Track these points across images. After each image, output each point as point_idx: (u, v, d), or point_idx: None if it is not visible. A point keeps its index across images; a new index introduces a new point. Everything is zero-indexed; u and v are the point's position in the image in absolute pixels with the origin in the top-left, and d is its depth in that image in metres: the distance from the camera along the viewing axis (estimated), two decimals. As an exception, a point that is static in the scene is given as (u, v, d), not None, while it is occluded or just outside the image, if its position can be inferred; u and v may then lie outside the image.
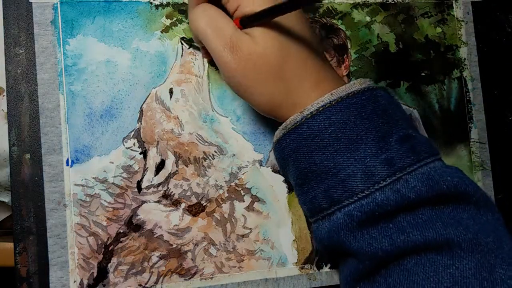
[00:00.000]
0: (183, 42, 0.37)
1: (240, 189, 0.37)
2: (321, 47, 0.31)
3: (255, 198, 0.37)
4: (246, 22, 0.29)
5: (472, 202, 0.27)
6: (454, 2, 0.44)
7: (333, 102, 0.28)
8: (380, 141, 0.27)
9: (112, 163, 0.35)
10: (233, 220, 0.37)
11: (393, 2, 0.42)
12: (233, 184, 0.37)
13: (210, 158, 0.37)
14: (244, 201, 0.37)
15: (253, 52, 0.29)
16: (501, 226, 0.27)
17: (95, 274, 0.34)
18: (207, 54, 0.33)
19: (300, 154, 0.29)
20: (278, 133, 0.30)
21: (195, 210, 0.36)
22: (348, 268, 0.29)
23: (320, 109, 0.28)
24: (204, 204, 0.36)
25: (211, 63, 0.38)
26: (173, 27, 0.38)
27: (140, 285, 0.35)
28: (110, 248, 0.35)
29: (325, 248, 0.30)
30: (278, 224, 0.38)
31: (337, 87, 0.29)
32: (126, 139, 0.36)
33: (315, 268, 0.38)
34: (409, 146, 0.27)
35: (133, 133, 0.36)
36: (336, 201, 0.28)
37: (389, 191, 0.26)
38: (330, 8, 0.41)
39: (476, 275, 0.25)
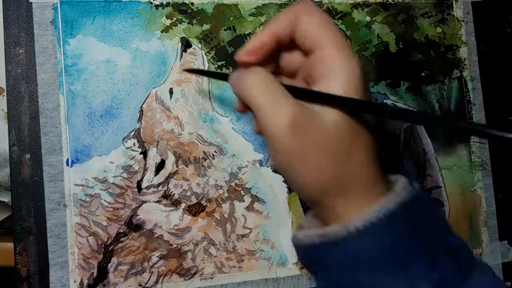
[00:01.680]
0: (183, 42, 0.37)
1: (240, 189, 0.37)
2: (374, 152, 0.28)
3: (255, 198, 0.37)
4: (320, 99, 0.25)
5: None
6: (454, 2, 0.44)
7: (382, 217, 0.24)
8: (430, 259, 0.25)
9: (112, 163, 0.35)
10: (233, 220, 0.37)
11: (393, 2, 0.42)
12: (233, 184, 0.37)
13: (210, 158, 0.37)
14: (244, 201, 0.37)
15: (322, 134, 0.25)
16: None
17: (95, 274, 0.34)
18: (244, 108, 0.29)
19: (339, 270, 0.26)
20: (310, 238, 0.26)
21: (195, 210, 0.36)
22: None
23: (369, 225, 0.24)
24: (204, 204, 0.36)
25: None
26: (173, 27, 0.38)
27: (140, 285, 0.35)
28: (110, 248, 0.35)
29: None
30: (278, 224, 0.38)
31: (385, 192, 0.26)
32: (126, 139, 0.36)
33: (315, 268, 0.38)
34: (456, 261, 0.25)
35: (133, 133, 0.36)
36: None
37: None
38: (330, 8, 0.41)
39: None
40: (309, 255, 0.27)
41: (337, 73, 0.25)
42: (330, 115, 0.25)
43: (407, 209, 0.25)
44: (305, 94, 0.26)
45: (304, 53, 0.27)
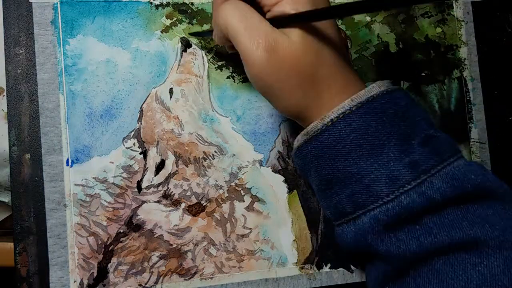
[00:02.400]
0: (183, 42, 0.37)
1: (240, 189, 0.37)
2: (346, 49, 0.31)
3: (255, 198, 0.37)
4: (283, 22, 0.28)
5: (497, 198, 0.27)
6: (454, 2, 0.44)
7: (353, 108, 0.27)
8: (403, 144, 0.27)
9: (112, 163, 0.35)
10: (233, 220, 0.37)
11: (393, 2, 0.42)
12: (233, 184, 0.37)
13: (210, 158, 0.37)
14: (244, 201, 0.37)
15: (290, 54, 0.28)
16: None
17: (95, 274, 0.34)
18: (232, 48, 0.32)
19: (322, 160, 0.29)
20: (300, 139, 0.30)
21: (195, 210, 0.36)
22: (376, 270, 0.29)
23: (341, 116, 0.28)
24: (204, 204, 0.36)
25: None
26: (173, 27, 0.38)
27: (140, 285, 0.35)
28: (110, 248, 0.35)
29: (351, 251, 0.30)
30: (278, 224, 0.38)
31: (360, 89, 0.29)
32: (126, 139, 0.36)
33: (315, 268, 0.38)
34: (431, 147, 0.27)
35: (133, 133, 0.36)
36: (361, 206, 0.28)
37: (414, 194, 0.26)
38: (330, 8, 0.41)
39: (505, 272, 0.25)
40: (298, 156, 0.31)
41: None
42: (294, 34, 0.28)
43: (378, 101, 0.28)
44: (279, 22, 0.28)
45: None
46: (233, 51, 0.34)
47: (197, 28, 0.38)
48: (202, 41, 0.38)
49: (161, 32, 0.37)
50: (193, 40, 0.38)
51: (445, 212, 0.27)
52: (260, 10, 0.30)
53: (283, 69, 0.28)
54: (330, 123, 0.28)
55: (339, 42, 0.30)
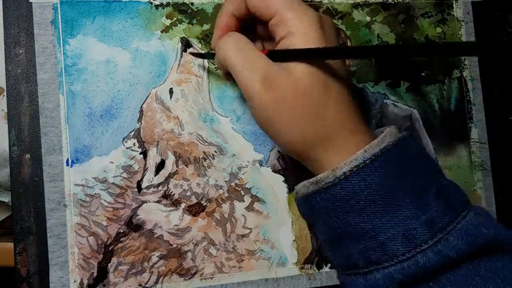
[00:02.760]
0: (183, 42, 0.37)
1: (240, 189, 0.37)
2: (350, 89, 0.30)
3: (255, 198, 0.37)
4: (286, 56, 0.27)
5: (506, 251, 0.27)
6: (454, 2, 0.44)
7: (367, 162, 0.26)
8: (419, 201, 0.26)
9: (112, 163, 0.35)
10: (233, 220, 0.37)
11: (393, 2, 0.42)
12: (233, 184, 0.37)
13: (210, 158, 0.37)
14: (244, 201, 0.37)
15: (293, 88, 0.27)
16: None
17: (95, 274, 0.34)
18: (227, 76, 0.31)
19: (333, 214, 0.27)
20: (306, 187, 0.28)
21: (195, 210, 0.36)
22: None
23: (354, 170, 0.26)
24: (204, 204, 0.36)
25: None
26: (173, 27, 0.38)
27: (140, 285, 0.35)
28: (110, 248, 0.35)
29: None
30: (278, 224, 0.38)
31: (370, 138, 0.27)
32: (126, 139, 0.36)
33: (315, 268, 0.38)
34: (445, 200, 0.27)
35: (133, 133, 0.36)
36: (374, 262, 0.27)
37: (431, 253, 0.26)
38: (330, 8, 0.41)
39: None
40: (305, 204, 0.29)
41: (295, 31, 0.27)
42: (298, 69, 0.27)
43: (393, 153, 0.27)
44: (274, 56, 0.28)
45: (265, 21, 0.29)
46: (229, 80, 0.33)
47: (197, 29, 0.38)
48: (202, 41, 0.38)
49: (161, 32, 0.37)
50: (193, 40, 0.38)
51: (460, 268, 0.26)
52: (261, 43, 0.30)
53: (285, 102, 0.27)
54: (343, 176, 0.26)
55: (347, 79, 0.29)
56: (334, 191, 0.27)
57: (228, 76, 0.30)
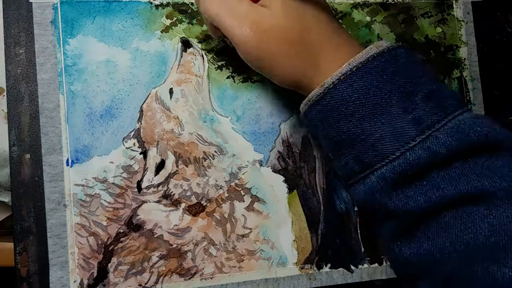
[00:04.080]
0: (183, 42, 0.37)
1: (240, 189, 0.37)
2: (331, 12, 0.32)
3: (255, 198, 0.37)
4: None
5: (505, 149, 0.27)
6: (454, 2, 0.44)
7: (354, 69, 0.28)
8: (405, 101, 0.27)
9: (112, 163, 0.35)
10: (233, 220, 0.37)
11: (393, 2, 0.42)
12: (233, 184, 0.37)
13: (210, 158, 0.37)
14: (244, 201, 0.37)
15: (275, 25, 0.29)
16: None
17: (95, 274, 0.34)
18: (214, 30, 0.33)
19: (327, 124, 0.29)
20: (303, 106, 0.30)
21: (195, 210, 0.36)
22: (388, 227, 0.30)
23: (342, 78, 0.28)
24: (204, 204, 0.36)
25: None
26: (173, 27, 0.38)
27: (140, 285, 0.35)
28: (110, 248, 0.35)
29: (364, 210, 0.31)
30: (278, 224, 0.38)
31: (356, 50, 0.29)
32: (126, 139, 0.36)
33: (315, 268, 0.38)
34: (435, 102, 0.27)
35: (133, 133, 0.36)
36: (368, 165, 0.28)
37: (419, 150, 0.26)
38: (330, 8, 0.41)
39: None
40: (306, 121, 0.31)
41: None
42: (276, 5, 0.29)
43: (378, 60, 0.28)
44: None
45: None
46: (216, 34, 0.34)
47: (197, 29, 0.38)
48: (202, 41, 0.38)
49: (161, 32, 0.37)
50: (193, 40, 0.38)
51: (452, 166, 0.26)
52: None
53: (271, 40, 0.29)
54: (331, 86, 0.28)
55: (325, 4, 0.31)
56: (325, 101, 0.29)
57: (215, 30, 0.32)
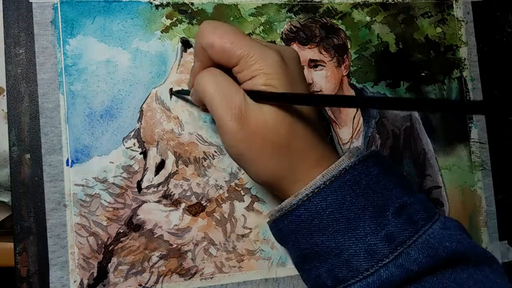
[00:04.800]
0: (183, 42, 0.37)
1: (240, 189, 0.37)
2: (320, 122, 0.31)
3: (255, 198, 0.37)
4: (256, 98, 0.28)
5: (470, 262, 0.28)
6: (454, 2, 0.44)
7: (327, 182, 0.28)
8: (377, 217, 0.28)
9: (112, 163, 0.35)
10: (233, 220, 0.37)
11: (393, 2, 0.42)
12: (233, 184, 0.37)
13: (210, 158, 0.37)
14: (244, 201, 0.37)
15: (263, 125, 0.28)
16: (499, 277, 0.28)
17: (95, 274, 0.34)
18: (205, 109, 0.32)
19: (299, 235, 0.29)
20: (274, 213, 0.30)
21: (195, 210, 0.36)
22: None
23: (316, 191, 0.28)
24: (204, 204, 0.36)
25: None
26: (173, 27, 0.38)
27: (140, 285, 0.35)
28: (110, 248, 0.35)
29: None
30: (278, 224, 0.38)
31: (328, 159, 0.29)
32: (126, 139, 0.36)
33: (315, 268, 0.38)
34: (405, 217, 0.28)
35: (133, 133, 0.36)
36: (341, 281, 0.28)
37: (392, 267, 0.27)
38: (330, 8, 0.41)
39: None
40: (275, 230, 0.31)
41: (258, 74, 0.28)
42: (267, 109, 0.28)
43: (350, 174, 0.28)
44: (252, 97, 0.29)
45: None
46: (206, 112, 0.35)
47: (196, 29, 0.38)
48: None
49: (161, 32, 0.37)
50: (193, 40, 0.38)
51: (423, 280, 0.27)
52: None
53: (255, 139, 0.28)
54: (305, 198, 0.28)
55: (314, 115, 0.31)
56: (299, 213, 0.28)
57: (206, 109, 0.31)
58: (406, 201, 0.28)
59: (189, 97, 0.34)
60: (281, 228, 0.30)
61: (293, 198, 0.29)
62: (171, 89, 0.37)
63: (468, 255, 0.28)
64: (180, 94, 0.37)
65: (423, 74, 0.42)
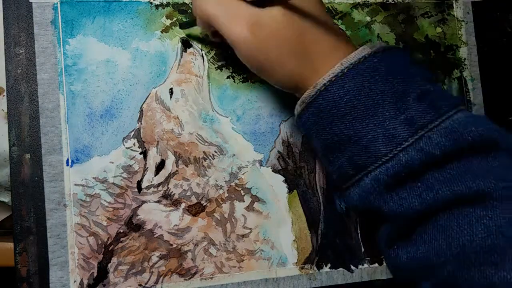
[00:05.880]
0: (183, 42, 0.37)
1: (240, 189, 0.37)
2: (329, 16, 0.32)
3: (255, 198, 0.37)
4: (261, 4, 0.29)
5: (502, 149, 0.27)
6: (454, 2, 0.44)
7: (345, 70, 0.27)
8: (397, 102, 0.27)
9: (112, 163, 0.35)
10: (233, 220, 0.37)
11: (393, 2, 0.42)
12: (233, 184, 0.37)
13: (210, 158, 0.37)
14: (244, 201, 0.37)
15: (273, 26, 0.28)
16: None
17: (95, 274, 0.34)
18: (215, 35, 0.33)
19: (320, 126, 0.29)
20: (297, 108, 0.30)
21: (195, 210, 0.36)
22: (385, 231, 0.30)
23: (333, 79, 0.28)
24: (204, 204, 0.36)
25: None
26: (173, 27, 0.38)
27: (140, 285, 0.35)
28: (110, 248, 0.35)
29: (359, 214, 0.30)
30: (278, 224, 0.38)
31: (352, 51, 0.29)
32: (126, 139, 0.36)
33: (315, 268, 0.38)
34: (428, 102, 0.27)
35: (133, 133, 0.36)
36: (361, 167, 0.28)
37: (412, 151, 0.26)
38: (330, 8, 0.41)
39: (511, 222, 0.24)
40: (299, 125, 0.31)
41: None
42: (276, 11, 0.28)
43: (370, 61, 0.28)
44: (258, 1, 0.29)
45: None
46: (216, 38, 0.34)
47: (196, 29, 0.38)
48: (202, 41, 0.38)
49: (161, 32, 0.37)
50: (193, 40, 0.38)
51: (447, 167, 0.26)
52: None
53: (270, 43, 0.29)
54: (323, 88, 0.28)
55: (323, 10, 0.31)
56: (317, 103, 0.28)
57: (215, 34, 0.31)
58: (429, 88, 0.28)
59: (196, 27, 0.34)
60: (303, 122, 0.30)
61: (312, 90, 0.28)
62: (171, 89, 0.37)
63: (499, 141, 0.26)
64: (187, 26, 0.37)
65: (423, 74, 0.42)
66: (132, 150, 0.36)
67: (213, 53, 0.38)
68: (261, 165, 0.38)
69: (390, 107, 0.27)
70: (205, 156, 0.37)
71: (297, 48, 0.29)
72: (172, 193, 0.36)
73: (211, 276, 0.36)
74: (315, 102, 0.28)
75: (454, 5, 0.44)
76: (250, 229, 0.37)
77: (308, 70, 0.29)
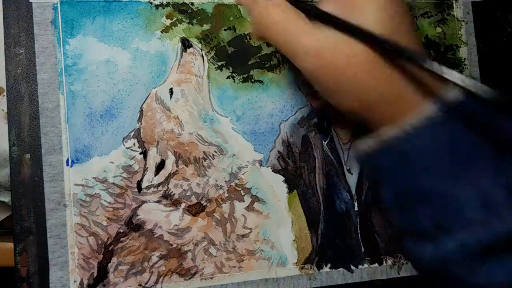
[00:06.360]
0: (183, 42, 0.37)
1: (240, 189, 0.37)
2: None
3: (255, 198, 0.37)
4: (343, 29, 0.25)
5: None
6: (454, 2, 0.44)
7: (440, 114, 0.23)
8: (497, 159, 0.23)
9: (112, 163, 0.35)
10: (233, 220, 0.37)
11: (393, 2, 0.42)
12: (233, 184, 0.37)
13: (210, 158, 0.37)
14: (244, 201, 0.37)
15: (351, 57, 0.25)
16: None
17: (95, 274, 0.34)
18: (260, 38, 0.30)
19: (399, 173, 0.25)
20: (369, 144, 0.26)
21: (195, 210, 0.36)
22: None
23: (424, 121, 0.23)
24: (204, 204, 0.36)
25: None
26: (173, 27, 0.38)
27: (140, 285, 0.35)
28: (110, 248, 0.35)
29: (425, 272, 0.26)
30: (278, 224, 0.38)
31: (438, 88, 0.24)
32: (126, 139, 0.36)
33: (315, 268, 0.38)
34: None
35: (133, 133, 0.36)
36: (446, 228, 0.24)
37: (510, 219, 0.22)
38: (330, 8, 0.41)
39: None
40: (368, 163, 0.27)
41: (365, 7, 0.25)
42: (358, 45, 0.25)
43: (468, 104, 0.23)
44: (333, 22, 0.26)
45: None
46: (261, 40, 0.31)
47: (197, 29, 0.38)
48: (202, 41, 0.38)
49: (161, 32, 0.37)
50: (193, 40, 0.38)
51: None
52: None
53: (356, 66, 0.25)
54: (412, 130, 0.23)
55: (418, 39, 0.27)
56: (401, 148, 0.24)
57: (261, 38, 0.29)
58: None
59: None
60: (374, 162, 0.26)
61: (393, 128, 0.24)
62: (171, 89, 0.37)
63: None
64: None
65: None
66: (132, 150, 0.36)
67: (213, 53, 0.38)
68: (261, 165, 0.38)
69: (490, 166, 0.23)
70: (205, 156, 0.37)
71: (384, 69, 0.25)
72: (172, 193, 0.36)
73: (211, 276, 0.36)
74: (399, 146, 0.24)
75: (454, 5, 0.44)
76: (250, 229, 0.37)
77: (391, 96, 0.25)
